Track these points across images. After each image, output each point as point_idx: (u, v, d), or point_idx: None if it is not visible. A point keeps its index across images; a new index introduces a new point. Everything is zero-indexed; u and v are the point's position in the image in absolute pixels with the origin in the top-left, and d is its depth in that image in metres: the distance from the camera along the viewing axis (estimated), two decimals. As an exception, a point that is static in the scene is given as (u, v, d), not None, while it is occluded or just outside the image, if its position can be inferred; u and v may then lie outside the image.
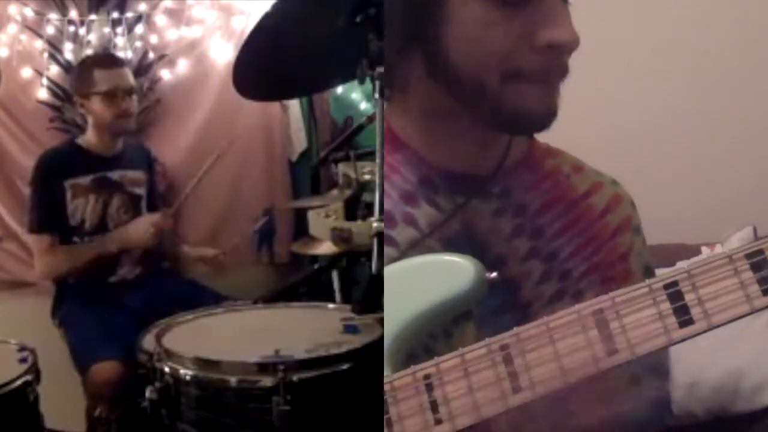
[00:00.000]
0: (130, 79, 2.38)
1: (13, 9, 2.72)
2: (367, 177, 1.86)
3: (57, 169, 2.31)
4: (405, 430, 0.89)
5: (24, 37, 2.74)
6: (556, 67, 0.98)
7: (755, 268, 0.85)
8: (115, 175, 2.37)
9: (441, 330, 0.99)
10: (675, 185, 2.53)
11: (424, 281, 0.94)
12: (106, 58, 2.51)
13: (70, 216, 2.30)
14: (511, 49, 0.95)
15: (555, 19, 0.95)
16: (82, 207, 2.30)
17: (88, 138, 2.37)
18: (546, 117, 1.01)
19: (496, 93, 0.97)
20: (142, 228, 2.30)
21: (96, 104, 2.31)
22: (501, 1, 0.94)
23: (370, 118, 2.19)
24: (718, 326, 0.85)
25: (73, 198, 2.29)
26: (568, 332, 0.88)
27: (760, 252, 0.85)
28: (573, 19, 1.01)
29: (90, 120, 2.36)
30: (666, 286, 0.87)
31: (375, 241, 1.17)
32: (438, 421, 0.88)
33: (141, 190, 2.42)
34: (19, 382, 1.50)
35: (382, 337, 0.94)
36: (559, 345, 0.88)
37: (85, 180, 2.31)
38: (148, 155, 2.52)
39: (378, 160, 1.15)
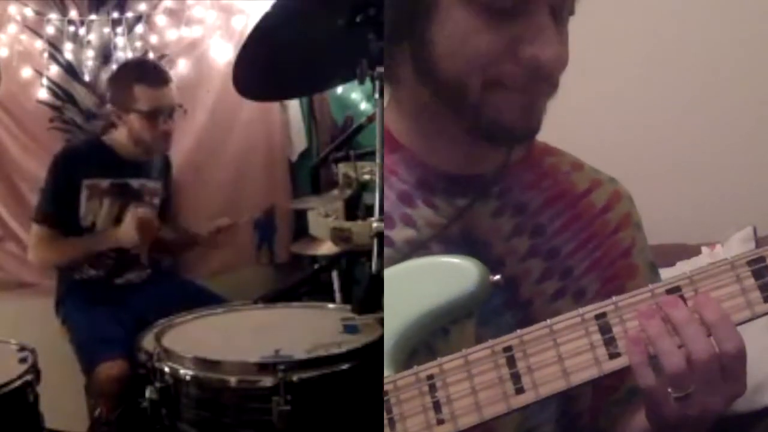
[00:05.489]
0: (174, 98, 2.25)
1: (13, 9, 2.71)
2: (367, 177, 1.86)
3: (77, 166, 2.23)
4: (407, 430, 0.89)
5: (24, 37, 2.73)
6: (540, 83, 0.96)
7: (757, 275, 0.85)
8: (136, 183, 2.31)
9: (440, 328, 0.99)
10: (675, 185, 2.53)
11: (427, 282, 0.95)
12: (150, 74, 2.25)
13: (82, 217, 2.24)
14: (495, 58, 0.94)
15: (542, 36, 0.94)
16: (95, 209, 2.25)
17: (119, 139, 2.28)
18: (524, 130, 1.00)
19: (476, 99, 0.96)
20: (128, 226, 2.19)
21: (135, 122, 2.21)
22: (489, 9, 0.93)
23: (370, 118, 2.19)
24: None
25: (88, 199, 2.23)
26: (571, 335, 0.88)
27: (762, 259, 0.85)
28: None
29: (123, 127, 2.26)
30: (669, 291, 0.87)
31: (375, 241, 1.17)
32: (440, 422, 0.89)
33: (157, 201, 2.38)
34: (19, 382, 1.50)
35: (382, 337, 0.94)
36: (562, 348, 0.88)
37: (104, 183, 2.24)
38: (167, 164, 2.47)
39: (378, 160, 1.15)
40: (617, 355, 0.87)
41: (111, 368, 1.97)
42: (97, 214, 2.25)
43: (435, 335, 0.98)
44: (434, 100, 1.01)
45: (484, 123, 0.98)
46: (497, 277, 0.94)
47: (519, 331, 0.89)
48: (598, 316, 0.88)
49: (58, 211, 2.24)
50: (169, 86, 2.25)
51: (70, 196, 2.22)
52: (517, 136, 1.01)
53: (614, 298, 0.88)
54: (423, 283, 0.95)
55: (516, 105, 0.97)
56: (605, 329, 0.88)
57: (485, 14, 0.93)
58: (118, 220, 2.26)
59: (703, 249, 2.30)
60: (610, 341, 0.88)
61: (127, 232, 2.19)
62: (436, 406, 0.89)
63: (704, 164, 2.51)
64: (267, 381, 1.39)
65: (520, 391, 0.88)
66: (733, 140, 2.49)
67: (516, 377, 0.88)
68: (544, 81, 0.96)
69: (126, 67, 2.47)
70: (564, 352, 0.88)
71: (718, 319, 0.85)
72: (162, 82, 2.24)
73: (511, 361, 0.88)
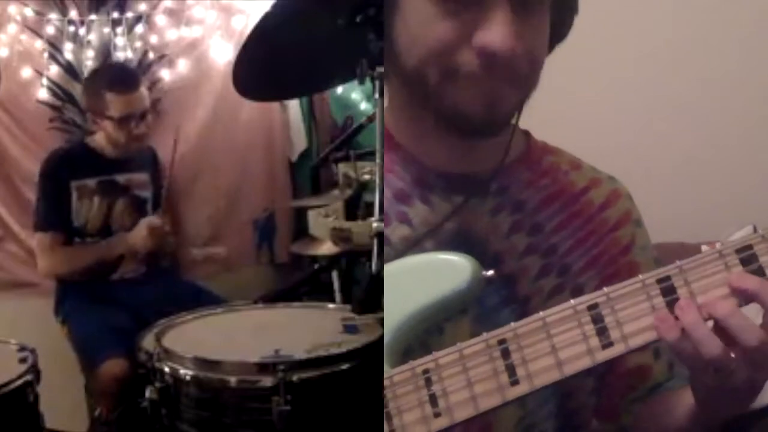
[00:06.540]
0: (145, 101, 2.32)
1: (13, 9, 2.71)
2: (367, 177, 1.86)
3: (64, 170, 2.31)
4: (404, 424, 0.90)
5: (24, 37, 2.73)
6: (497, 71, 0.95)
7: (745, 262, 0.87)
8: (121, 178, 2.37)
9: (435, 325, 0.99)
10: (675, 185, 2.53)
11: (420, 280, 0.95)
12: (119, 82, 2.30)
13: (75, 217, 2.31)
14: (450, 47, 0.95)
15: (492, 23, 0.93)
16: (86, 208, 2.31)
17: (99, 140, 2.37)
18: (486, 121, 0.98)
19: (436, 90, 0.97)
20: (140, 233, 2.29)
21: (108, 126, 2.29)
22: None
23: (370, 118, 2.19)
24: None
25: (78, 199, 2.30)
26: (564, 326, 0.89)
27: (750, 247, 0.86)
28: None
29: (101, 131, 2.35)
30: (659, 281, 0.88)
31: (375, 241, 1.17)
32: (437, 415, 0.90)
33: (146, 193, 2.42)
34: (19, 382, 1.51)
35: (382, 337, 0.95)
36: (556, 339, 0.89)
37: (91, 182, 2.32)
38: (154, 157, 2.51)
39: (378, 160, 1.16)
40: (610, 344, 0.88)
41: (113, 366, 1.98)
42: (88, 213, 2.32)
43: (430, 333, 0.98)
44: (407, 94, 1.02)
45: (444, 112, 0.98)
46: (490, 272, 0.94)
47: (513, 324, 0.90)
48: (590, 307, 0.89)
49: (57, 214, 2.30)
50: (139, 90, 2.31)
51: (62, 199, 2.30)
52: (477, 126, 0.99)
53: (606, 289, 0.89)
54: (416, 281, 0.95)
55: (474, 94, 0.96)
56: (598, 320, 0.88)
57: (442, 2, 0.94)
58: (107, 216, 2.34)
59: (703, 248, 2.29)
60: (602, 331, 0.88)
61: (139, 238, 2.28)
62: (432, 400, 0.90)
63: (704, 164, 2.51)
64: (267, 381, 1.39)
65: (515, 382, 0.89)
66: (733, 140, 2.49)
67: (511, 369, 0.89)
68: (499, 69, 0.94)
69: (96, 74, 2.51)
70: (557, 342, 0.88)
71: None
72: (131, 88, 2.30)
73: (505, 354, 0.89)
